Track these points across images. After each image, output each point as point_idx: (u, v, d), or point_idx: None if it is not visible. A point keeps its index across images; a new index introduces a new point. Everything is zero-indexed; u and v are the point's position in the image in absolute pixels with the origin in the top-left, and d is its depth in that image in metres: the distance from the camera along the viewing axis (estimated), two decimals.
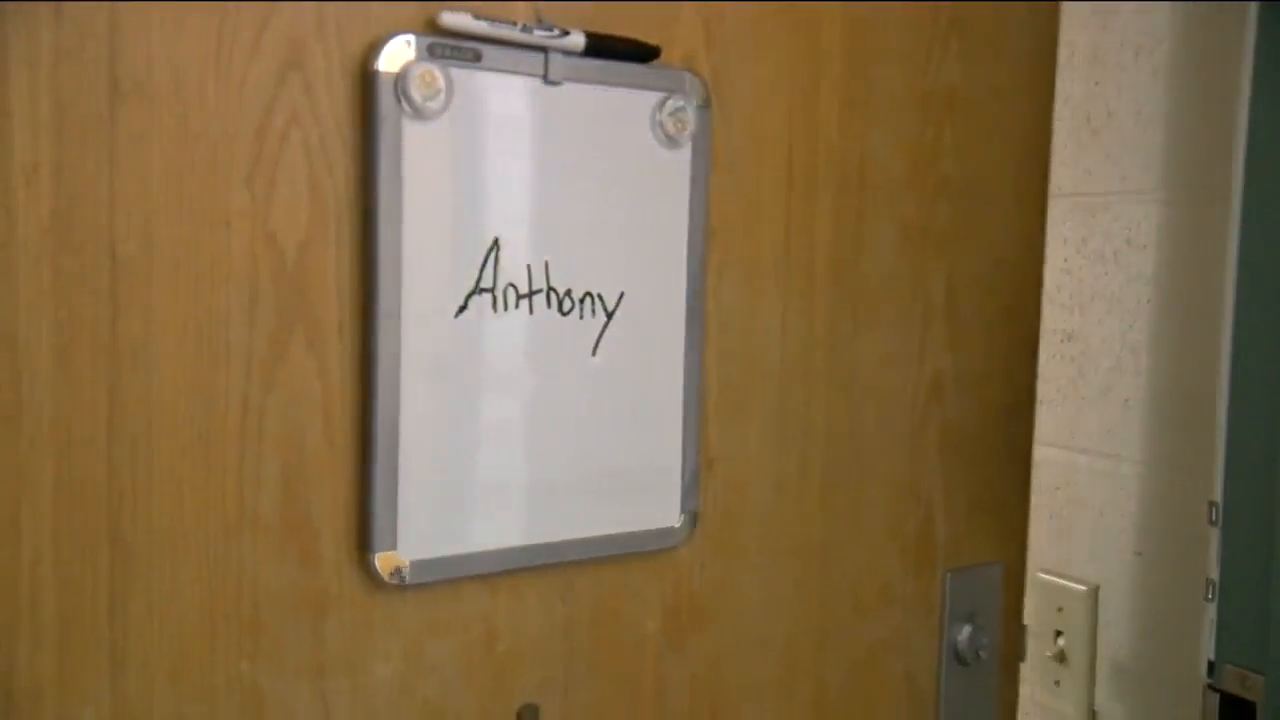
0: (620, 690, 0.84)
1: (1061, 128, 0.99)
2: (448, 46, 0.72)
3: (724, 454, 0.87)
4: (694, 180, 0.83)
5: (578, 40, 0.76)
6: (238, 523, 0.69)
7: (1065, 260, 1.04)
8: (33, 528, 0.64)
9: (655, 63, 0.80)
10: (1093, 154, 0.98)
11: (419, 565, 0.74)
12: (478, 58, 0.73)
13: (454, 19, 0.72)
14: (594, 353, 0.80)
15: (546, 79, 0.76)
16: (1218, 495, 0.88)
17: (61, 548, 0.65)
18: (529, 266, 0.76)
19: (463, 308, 0.74)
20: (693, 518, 0.85)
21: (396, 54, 0.71)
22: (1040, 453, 1.07)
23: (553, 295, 0.77)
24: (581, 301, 0.79)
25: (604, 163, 0.79)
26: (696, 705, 0.88)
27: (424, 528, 0.74)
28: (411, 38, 0.71)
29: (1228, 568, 0.88)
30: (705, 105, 0.82)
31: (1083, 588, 1.03)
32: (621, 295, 0.80)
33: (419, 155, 0.72)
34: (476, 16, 0.73)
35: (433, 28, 0.72)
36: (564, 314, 0.78)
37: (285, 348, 0.70)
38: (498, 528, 0.77)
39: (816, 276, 0.91)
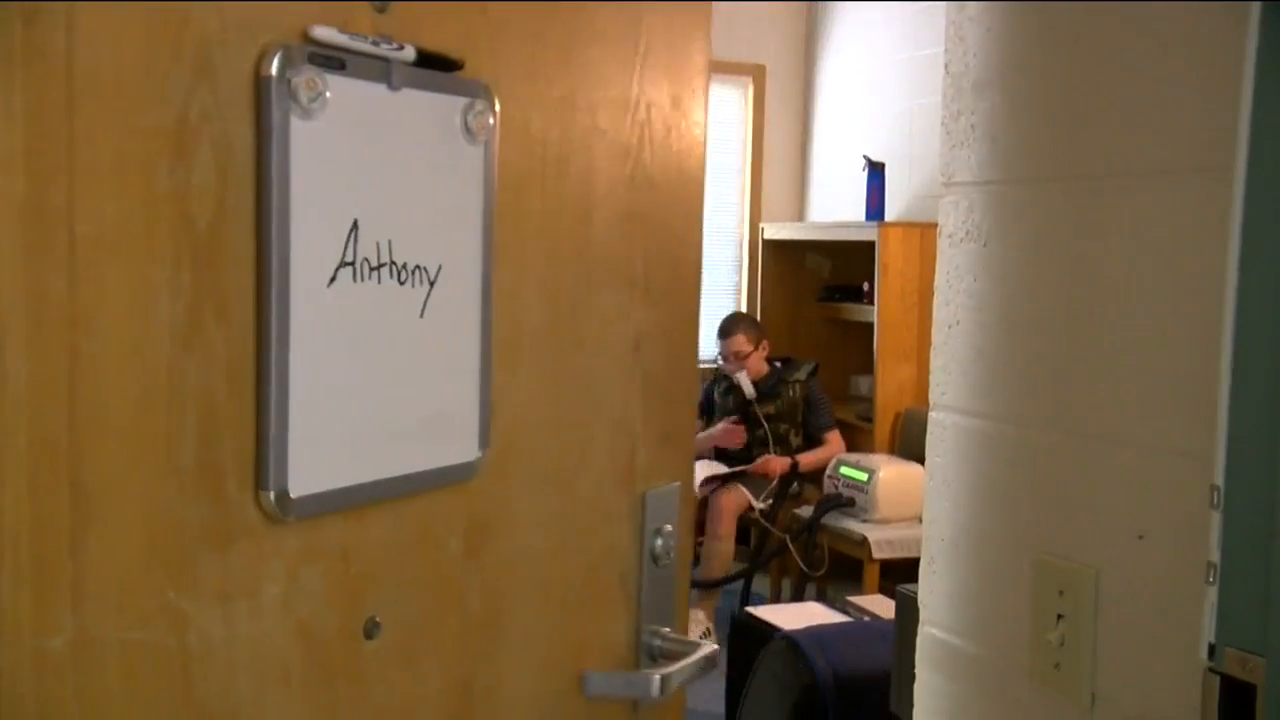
0: (436, 600, 1.02)
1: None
2: (322, 56, 0.86)
3: (502, 399, 1.06)
4: (486, 172, 1.01)
5: (410, 53, 0.92)
6: (166, 469, 0.80)
7: (1062, 242, 1.09)
8: (13, 478, 0.71)
9: (461, 74, 0.98)
10: (1097, 135, 1.04)
11: (300, 501, 0.87)
12: (343, 66, 0.87)
13: (324, 32, 0.86)
14: (421, 315, 0.96)
15: (390, 85, 0.92)
16: (1219, 478, 0.87)
17: (35, 495, 0.73)
18: (378, 243, 0.92)
19: (333, 278, 0.88)
20: (484, 453, 1.04)
21: (285, 61, 0.84)
22: (1040, 437, 1.12)
23: (394, 267, 0.93)
24: (413, 273, 0.95)
25: (429, 156, 0.96)
26: (488, 607, 1.07)
27: (304, 469, 0.87)
28: (296, 47, 0.84)
29: (1229, 551, 0.87)
30: (493, 109, 1.01)
31: (1083, 570, 1.06)
32: (440, 268, 0.97)
33: (302, 149, 0.85)
34: (341, 31, 0.87)
35: (307, 39, 0.85)
36: (401, 283, 0.94)
37: (200, 315, 0.81)
38: (355, 467, 0.92)
39: (560, 252, 1.12)
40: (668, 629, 1.25)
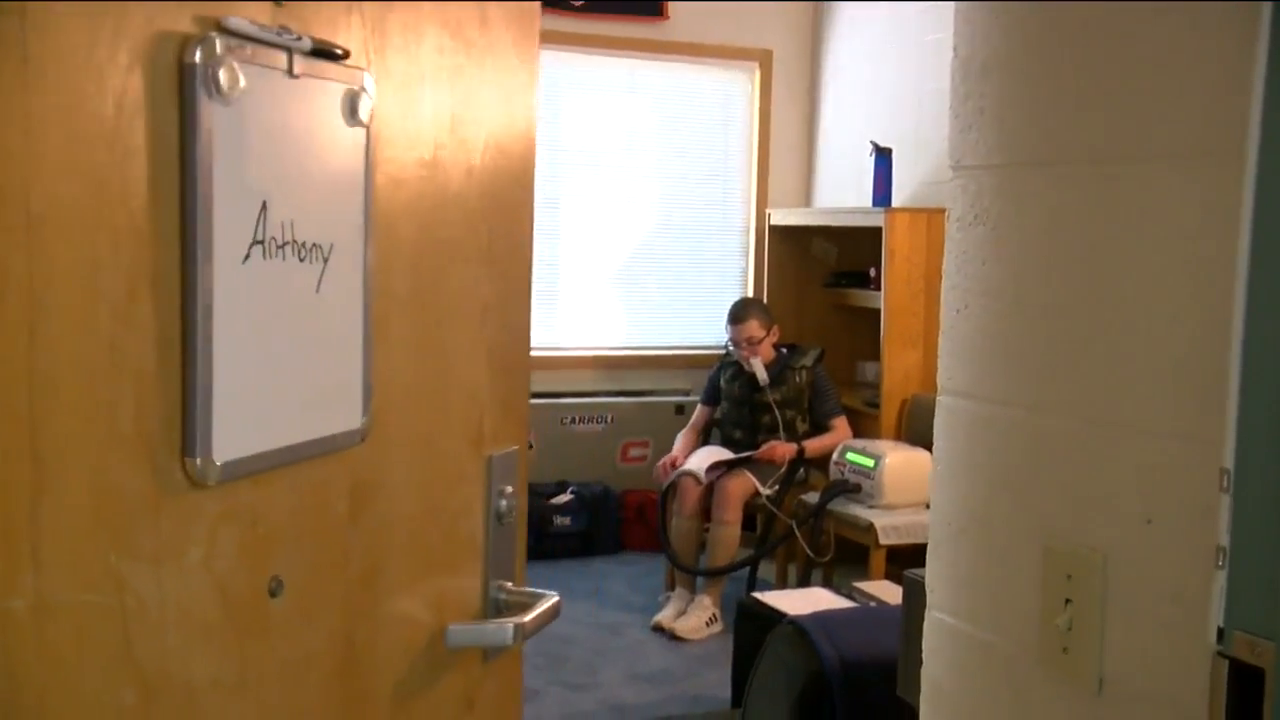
0: (326, 560, 1.09)
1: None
2: (236, 46, 0.90)
3: (380, 369, 1.12)
4: (367, 155, 1.08)
5: (307, 43, 0.98)
6: (109, 438, 0.84)
7: (1074, 226, 1.08)
8: None
9: (348, 62, 1.04)
10: (1113, 110, 1.04)
11: (223, 467, 0.93)
12: (253, 56, 0.93)
13: (238, 23, 0.91)
14: (317, 291, 1.03)
15: (290, 73, 0.97)
16: (1229, 462, 0.88)
17: (2, 465, 0.76)
18: (282, 223, 0.98)
19: (246, 256, 0.94)
20: (366, 420, 1.10)
21: (207, 51, 0.88)
22: (1049, 422, 1.11)
23: (295, 245, 1.00)
24: (311, 250, 1.02)
25: (322, 140, 1.03)
26: (367, 566, 1.14)
27: (225, 436, 0.93)
28: (216, 37, 0.88)
29: (1238, 534, 0.87)
30: (373, 96, 1.07)
31: (1092, 556, 1.06)
32: (331, 246, 1.04)
33: (222, 133, 0.90)
34: (252, 22, 0.92)
35: (223, 30, 0.89)
36: (301, 261, 1.01)
37: (137, 291, 0.85)
38: (265, 434, 0.98)
39: (424, 229, 1.19)
40: (509, 583, 1.37)
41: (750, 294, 6.34)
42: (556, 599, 1.35)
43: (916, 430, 4.96)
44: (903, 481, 4.61)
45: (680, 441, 5.33)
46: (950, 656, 1.28)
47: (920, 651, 1.32)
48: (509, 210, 1.34)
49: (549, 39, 5.57)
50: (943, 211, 1.32)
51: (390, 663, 1.18)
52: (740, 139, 6.55)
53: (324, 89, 1.01)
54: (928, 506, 1.33)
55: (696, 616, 4.78)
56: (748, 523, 5.08)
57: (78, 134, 0.79)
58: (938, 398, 1.30)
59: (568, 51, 6.17)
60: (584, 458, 6.04)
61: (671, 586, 5.06)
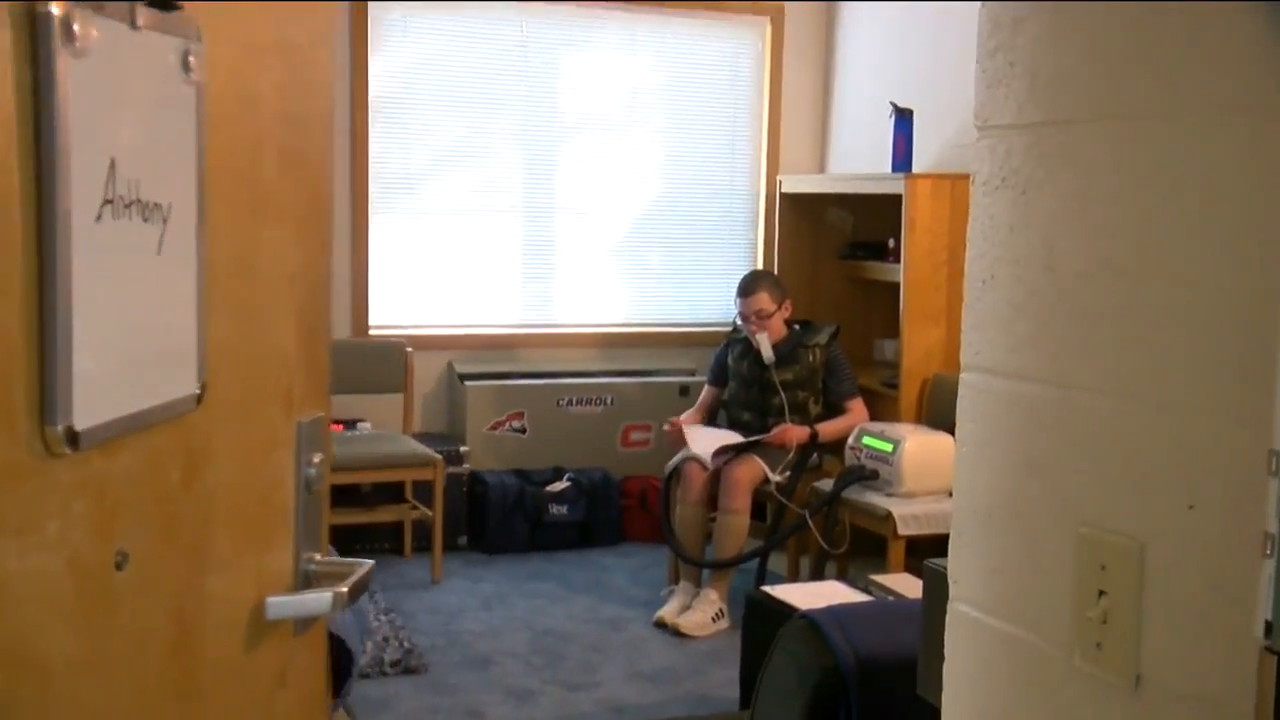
0: (162, 531, 1.11)
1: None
2: None
3: (213, 335, 1.17)
4: (199, 111, 1.11)
5: None
6: None
7: (1113, 188, 1.07)
8: None
9: (181, 15, 1.06)
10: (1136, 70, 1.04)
11: (82, 435, 0.95)
12: (101, 8, 0.95)
13: None
14: (159, 252, 1.05)
15: (133, 25, 0.99)
16: (1279, 443, 0.88)
17: None
18: (129, 181, 1.01)
19: (99, 215, 0.97)
20: (201, 385, 1.14)
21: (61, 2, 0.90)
22: (1083, 399, 1.10)
23: (140, 205, 1.03)
24: (153, 210, 1.05)
25: (161, 95, 1.06)
26: (197, 537, 1.18)
27: (83, 403, 0.95)
28: None
29: None
30: (203, 50, 1.10)
31: (1128, 544, 1.05)
32: (170, 205, 1.07)
33: (75, 87, 0.91)
34: None
35: None
36: (146, 221, 1.03)
37: (1, 253, 0.87)
38: (117, 401, 1.01)
39: (243, 189, 1.23)
40: (318, 554, 1.43)
41: (760, 266, 6.33)
42: (370, 565, 1.42)
43: (938, 413, 4.96)
44: (923, 467, 4.61)
45: (685, 415, 5.33)
46: (974, 652, 1.28)
47: (942, 647, 1.32)
48: (311, 168, 1.41)
49: None
50: (967, 177, 1.31)
51: (215, 639, 1.23)
52: (750, 100, 6.52)
53: (163, 43, 1.04)
54: (950, 495, 1.32)
55: (702, 611, 4.80)
56: (757, 511, 5.08)
57: None
58: (961, 375, 1.29)
59: (563, 5, 6.14)
60: (582, 442, 6.04)
61: (676, 580, 5.07)
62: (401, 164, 6.03)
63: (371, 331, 5.97)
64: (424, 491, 5.49)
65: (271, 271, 1.32)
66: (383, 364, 5.68)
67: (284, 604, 1.33)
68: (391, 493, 5.64)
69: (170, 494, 1.12)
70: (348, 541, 5.36)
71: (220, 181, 1.17)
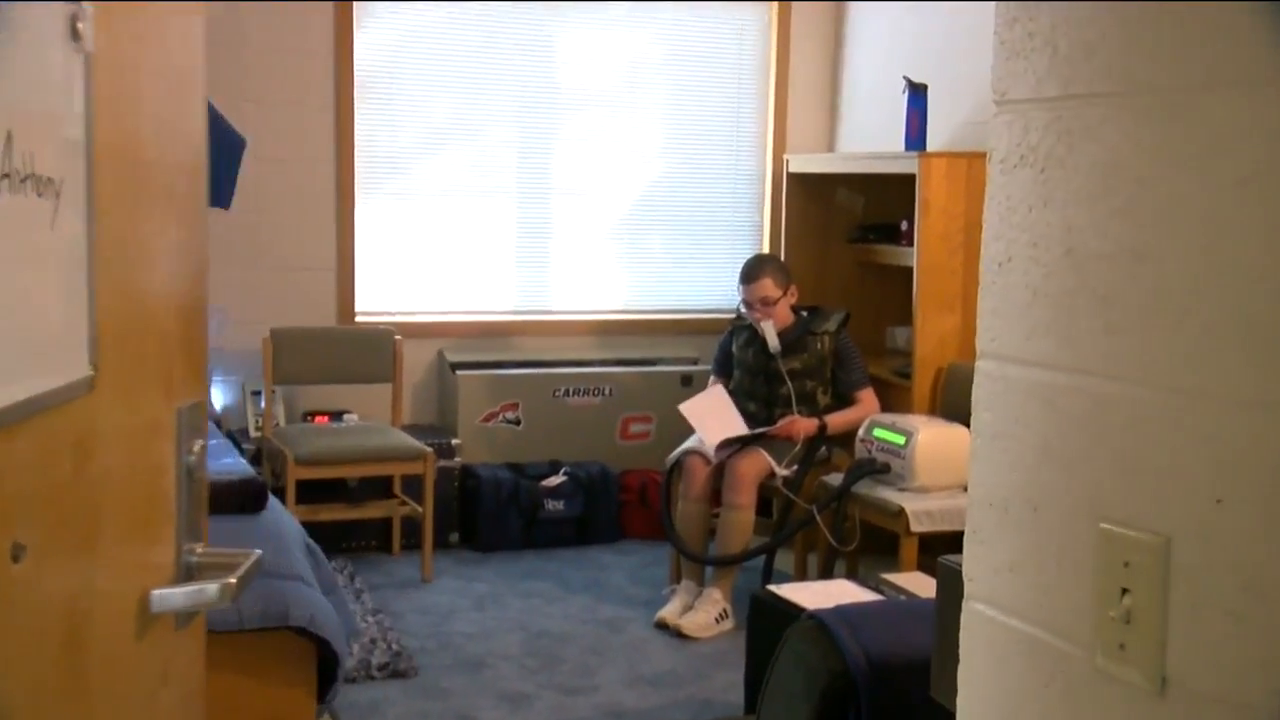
0: (54, 517, 1.12)
1: None
2: None
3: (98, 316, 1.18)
4: (88, 83, 1.12)
5: None
6: None
7: (1138, 167, 1.06)
8: None
9: None
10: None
11: None
12: None
13: None
14: (52, 228, 1.06)
15: None
16: None
17: None
18: (23, 154, 1.01)
19: None
20: (93, 369, 1.15)
21: None
22: (1105, 387, 1.10)
23: (35, 179, 1.04)
24: (46, 185, 1.06)
25: (51, 64, 1.07)
26: (88, 527, 1.20)
27: None
28: None
29: None
30: (91, 19, 1.11)
31: (1153, 540, 1.05)
32: (63, 180, 1.09)
33: None
34: None
35: None
36: (40, 196, 1.04)
37: None
38: (13, 385, 1.01)
39: (128, 165, 1.25)
40: (199, 545, 1.46)
41: (765, 250, 6.32)
42: (258, 555, 1.44)
43: (953, 404, 4.96)
44: (937, 461, 4.62)
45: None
46: (991, 653, 1.28)
47: (957, 648, 1.32)
48: (187, 142, 1.44)
49: None
50: (984, 155, 1.31)
51: (103, 635, 1.24)
52: (755, 75, 6.51)
53: (49, 9, 1.05)
54: (965, 489, 1.32)
55: (705, 612, 4.80)
56: (762, 507, 5.09)
57: None
58: (977, 362, 1.29)
59: None
60: (579, 435, 6.04)
61: (677, 579, 5.08)
62: (389, 143, 6.02)
63: (358, 319, 5.97)
64: (414, 486, 5.49)
65: (150, 250, 1.34)
66: (370, 353, 5.68)
67: (169, 596, 1.34)
68: (379, 488, 5.64)
69: (63, 482, 1.12)
70: (333, 539, 5.37)
71: (109, 157, 1.18)
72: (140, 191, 1.30)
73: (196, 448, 1.43)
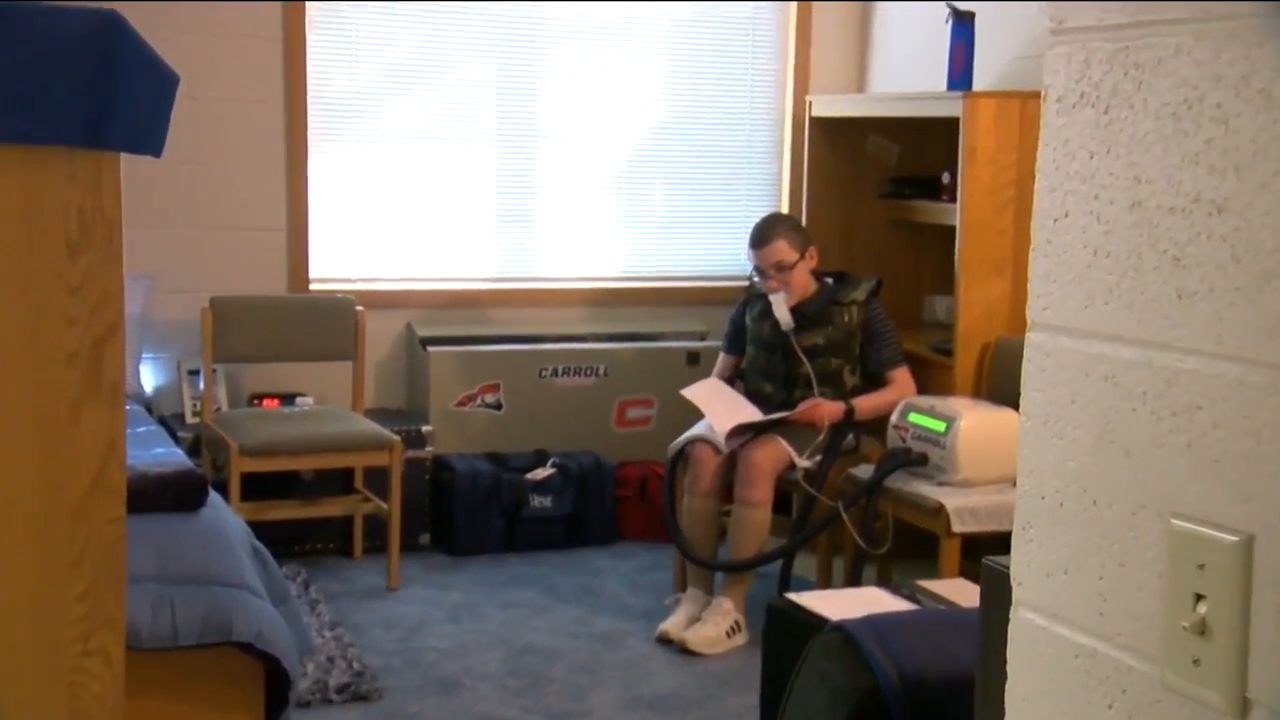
0: None
1: None
2: None
3: None
4: None
5: None
6: None
7: (1218, 105, 1.06)
8: None
9: None
10: None
11: None
12: None
13: None
14: None
15: None
16: None
17: None
18: None
19: None
20: None
21: None
22: (1176, 363, 1.10)
23: None
24: None
25: None
26: None
27: None
28: None
29: None
30: None
31: (1232, 539, 1.04)
32: None
33: None
34: None
35: None
36: None
37: None
38: None
39: None
40: None
41: (785, 207, 6.32)
42: None
43: (1002, 384, 4.97)
44: (982, 451, 4.62)
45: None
46: (1042, 669, 1.28)
47: (1004, 663, 1.32)
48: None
49: None
50: (1039, 95, 1.30)
51: None
52: (773, 4, 6.49)
53: None
54: (1014, 483, 1.32)
55: (714, 624, 4.81)
56: (780, 503, 5.10)
57: None
58: (1028, 335, 1.29)
59: None
60: (568, 421, 6.05)
61: (683, 586, 5.09)
62: (347, 83, 6.01)
63: (313, 286, 5.97)
64: (378, 480, 5.50)
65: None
66: (327, 326, 5.68)
67: None
68: (338, 482, 5.66)
69: None
70: (285, 541, 5.38)
71: None
72: None
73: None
